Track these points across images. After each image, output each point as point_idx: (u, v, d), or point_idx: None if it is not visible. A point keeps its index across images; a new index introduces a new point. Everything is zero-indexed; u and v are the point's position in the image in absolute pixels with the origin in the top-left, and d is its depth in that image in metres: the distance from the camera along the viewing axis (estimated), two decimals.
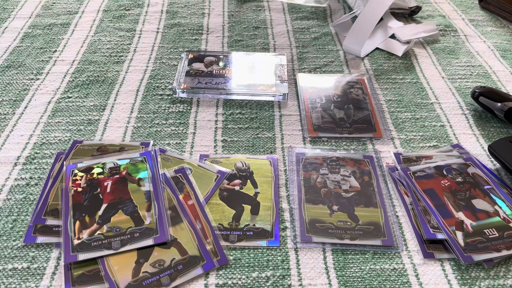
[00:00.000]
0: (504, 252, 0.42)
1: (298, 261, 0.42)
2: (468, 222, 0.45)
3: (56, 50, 0.70)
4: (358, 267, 0.42)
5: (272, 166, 0.51)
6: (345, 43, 0.72)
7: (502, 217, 0.45)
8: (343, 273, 0.41)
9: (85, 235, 0.41)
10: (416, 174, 0.50)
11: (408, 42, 0.72)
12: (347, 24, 0.77)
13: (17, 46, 0.70)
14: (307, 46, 0.73)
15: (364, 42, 0.69)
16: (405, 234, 0.45)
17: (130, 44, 0.72)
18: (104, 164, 0.48)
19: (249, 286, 0.40)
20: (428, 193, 0.47)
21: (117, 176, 0.47)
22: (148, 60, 0.68)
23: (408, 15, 0.81)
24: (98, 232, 0.42)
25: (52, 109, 0.59)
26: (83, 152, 0.51)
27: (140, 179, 0.47)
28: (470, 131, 0.57)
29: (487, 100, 0.58)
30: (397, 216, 0.46)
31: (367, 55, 0.71)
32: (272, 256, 0.43)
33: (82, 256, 0.40)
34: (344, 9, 0.83)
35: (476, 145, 0.56)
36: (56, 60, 0.68)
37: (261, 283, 0.40)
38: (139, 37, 0.74)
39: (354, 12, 0.78)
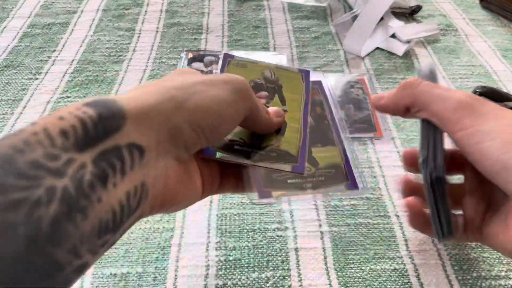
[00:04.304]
0: None
1: (298, 261, 0.42)
2: None
3: (55, 50, 0.69)
4: (358, 268, 0.42)
5: (304, 82, 0.43)
6: (345, 42, 0.71)
7: None
8: (344, 273, 0.41)
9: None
10: None
11: (408, 42, 0.72)
12: (348, 24, 0.77)
13: (16, 46, 0.70)
14: (307, 46, 0.73)
15: (364, 42, 0.69)
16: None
17: (129, 43, 0.72)
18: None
19: (249, 286, 0.40)
20: None
21: None
22: (148, 60, 0.68)
23: (409, 14, 0.81)
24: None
25: (51, 109, 0.58)
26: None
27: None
28: None
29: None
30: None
31: (367, 55, 0.71)
32: (272, 257, 0.42)
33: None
34: (345, 8, 0.83)
35: None
36: (55, 59, 0.67)
37: (261, 283, 0.40)
38: (139, 36, 0.74)
39: (354, 12, 0.78)
